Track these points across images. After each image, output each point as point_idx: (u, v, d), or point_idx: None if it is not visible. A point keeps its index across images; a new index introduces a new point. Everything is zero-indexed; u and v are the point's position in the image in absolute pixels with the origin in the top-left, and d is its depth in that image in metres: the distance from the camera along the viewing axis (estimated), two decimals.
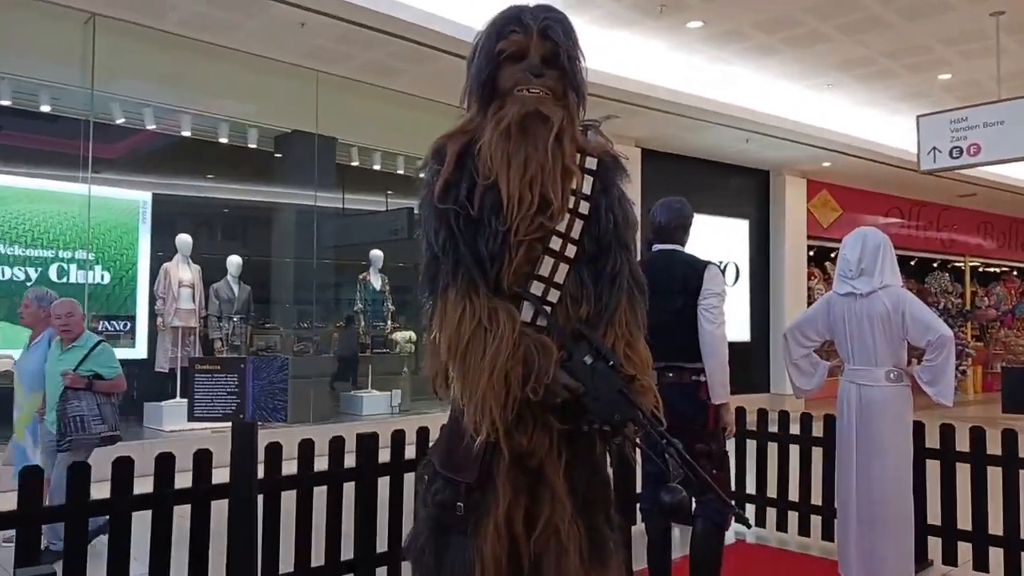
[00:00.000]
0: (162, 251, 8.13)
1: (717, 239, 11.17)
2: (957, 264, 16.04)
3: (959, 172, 9.94)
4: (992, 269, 17.42)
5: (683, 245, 3.47)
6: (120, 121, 8.01)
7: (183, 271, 7.85)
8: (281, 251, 9.70)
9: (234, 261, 8.34)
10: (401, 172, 9.86)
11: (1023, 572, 3.83)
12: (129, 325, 7.87)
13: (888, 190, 13.55)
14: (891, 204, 14.09)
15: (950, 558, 4.13)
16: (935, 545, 4.18)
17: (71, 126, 7.30)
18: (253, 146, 8.99)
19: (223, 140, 8.77)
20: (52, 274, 7.40)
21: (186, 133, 8.44)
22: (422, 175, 2.09)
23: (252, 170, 9.81)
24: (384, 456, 3.65)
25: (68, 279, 7.47)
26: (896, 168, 11.28)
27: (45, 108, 7.54)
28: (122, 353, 7.94)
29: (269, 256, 9.92)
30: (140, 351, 8.02)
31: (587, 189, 2.04)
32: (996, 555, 4.00)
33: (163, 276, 7.76)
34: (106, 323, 7.71)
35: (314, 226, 8.67)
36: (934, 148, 7.53)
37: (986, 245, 16.44)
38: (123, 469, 2.91)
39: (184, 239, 7.94)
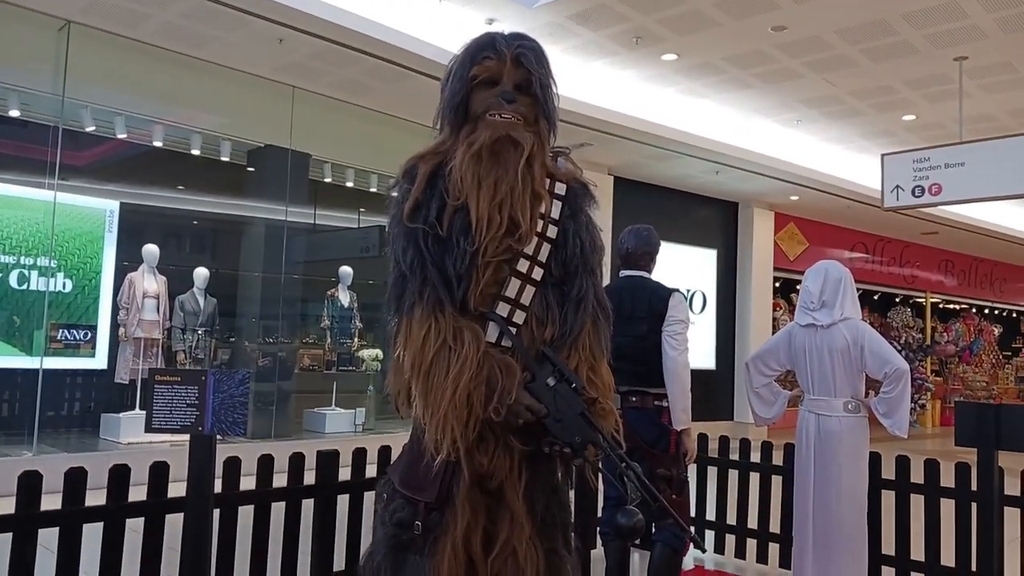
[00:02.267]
0: (128, 261, 8.01)
1: (685, 268, 11.31)
2: (919, 300, 16.38)
3: (921, 210, 10.21)
4: (952, 306, 17.82)
5: (650, 272, 3.51)
6: (90, 129, 7.90)
7: (148, 282, 7.75)
8: (249, 265, 9.60)
9: (201, 273, 8.25)
10: (374, 190, 9.85)
11: None
12: (90, 335, 7.73)
13: (853, 225, 13.84)
14: (856, 239, 14.38)
15: None
16: (888, 574, 4.24)
17: (39, 132, 7.19)
18: (226, 159, 8.93)
19: (195, 152, 8.70)
20: (12, 280, 7.25)
21: (158, 143, 8.36)
22: (393, 194, 2.11)
23: (223, 183, 9.73)
24: (344, 474, 3.62)
25: (29, 286, 7.33)
26: (861, 204, 11.54)
27: (14, 113, 7.43)
28: (81, 363, 7.82)
29: (237, 270, 9.81)
30: (100, 361, 7.88)
31: (556, 214, 2.07)
32: None
33: (127, 286, 7.65)
34: (66, 332, 7.56)
35: (284, 241, 8.62)
36: (897, 186, 7.72)
37: (947, 282, 16.82)
38: (75, 479, 2.85)
39: (150, 249, 7.85)
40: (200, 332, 8.06)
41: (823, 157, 10.70)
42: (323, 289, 9.34)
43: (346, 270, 9.32)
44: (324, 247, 9.81)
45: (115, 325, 7.75)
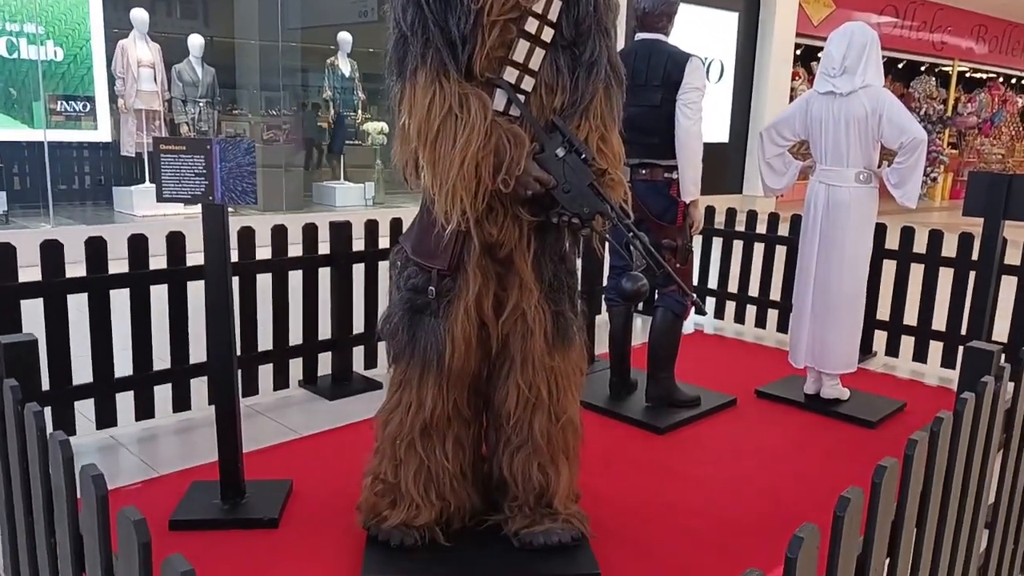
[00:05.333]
0: (117, 27, 7.64)
1: (704, 32, 10.72)
2: (945, 68, 15.69)
3: None
4: (979, 75, 17.09)
5: (667, 35, 3.33)
6: None
7: (141, 50, 7.44)
8: (244, 32, 9.15)
9: (196, 41, 7.89)
10: None
11: (958, 363, 4.12)
12: (88, 106, 7.56)
13: None
14: (887, 1, 13.48)
15: (893, 350, 4.43)
16: (881, 337, 4.46)
17: None
18: None
19: None
20: (1, 48, 6.97)
21: None
22: None
23: None
24: (358, 246, 3.70)
25: (19, 55, 7.06)
26: None
27: None
28: (85, 135, 7.75)
29: (232, 37, 9.37)
30: (104, 134, 7.78)
31: None
32: (936, 348, 4.29)
33: (120, 54, 7.36)
34: (64, 103, 7.40)
35: (278, 5, 8.14)
36: None
37: (977, 49, 16.00)
38: (96, 247, 2.93)
39: (139, 14, 7.44)
40: (201, 103, 7.87)
41: None
42: (323, 57, 8.97)
43: (345, 36, 8.88)
44: (320, 11, 9.29)
45: (113, 96, 7.56)
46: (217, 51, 8.67)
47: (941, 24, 14.79)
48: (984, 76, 17.16)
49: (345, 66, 8.87)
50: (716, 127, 11.39)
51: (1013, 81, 17.98)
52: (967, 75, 16.72)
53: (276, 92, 8.84)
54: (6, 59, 6.99)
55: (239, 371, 2.83)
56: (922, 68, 15.26)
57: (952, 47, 15.34)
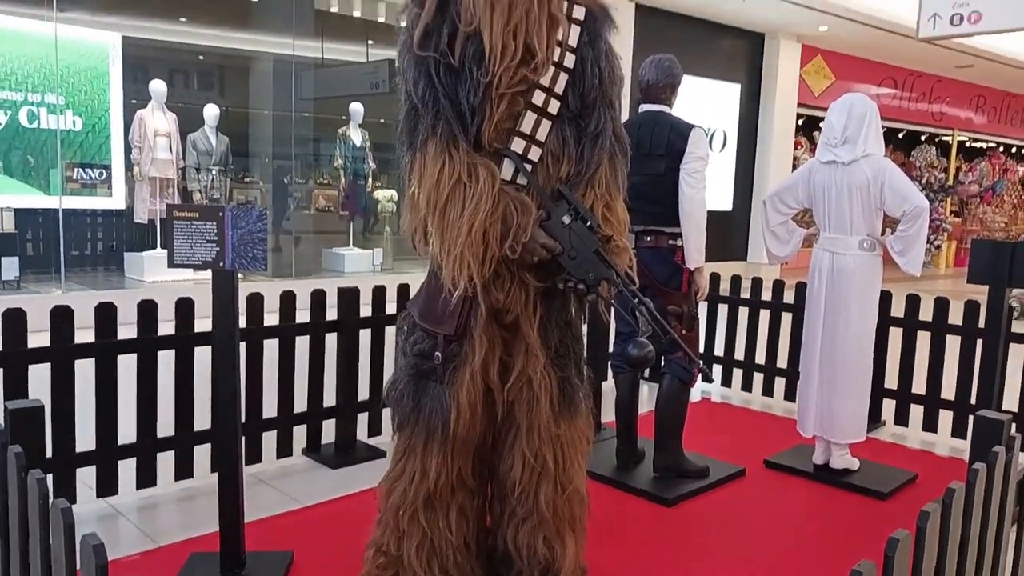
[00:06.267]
0: (135, 98, 7.86)
1: (707, 103, 10.96)
2: (945, 138, 15.92)
3: (957, 42, 9.69)
4: (979, 144, 17.34)
5: (671, 106, 3.40)
6: None
7: (158, 119, 7.62)
8: (259, 102, 9.40)
9: (211, 111, 8.09)
10: (382, 20, 9.43)
11: (968, 432, 4.06)
12: (105, 174, 7.72)
13: (884, 59, 13.22)
14: (885, 73, 13.78)
15: (902, 419, 4.37)
16: (889, 406, 4.41)
17: None
18: None
19: None
20: (23, 118, 7.16)
21: None
22: (402, 22, 2.01)
23: (227, 14, 9.33)
24: (365, 312, 3.71)
25: (39, 124, 7.25)
26: (894, 35, 10.95)
27: None
28: (100, 203, 7.89)
29: (247, 107, 9.62)
30: (118, 201, 7.92)
31: (573, 40, 1.98)
32: (946, 417, 4.23)
33: (138, 124, 7.54)
34: (81, 171, 7.56)
35: (292, 77, 8.37)
36: (935, 14, 7.28)
37: (976, 119, 16.27)
38: (106, 313, 2.95)
39: (158, 86, 7.66)
40: (214, 171, 8.02)
41: None
42: (334, 127, 9.18)
43: (356, 107, 9.09)
44: (333, 83, 9.53)
45: (129, 164, 7.73)
46: (231, 120, 8.90)
47: (940, 95, 15.09)
48: (984, 145, 17.40)
49: (356, 136, 9.06)
50: (720, 195, 11.53)
51: (1013, 150, 18.21)
52: (967, 144, 16.95)
53: (288, 160, 9.01)
54: (26, 128, 7.17)
55: (243, 438, 2.80)
56: (922, 138, 15.50)
57: (951, 117, 15.61)
